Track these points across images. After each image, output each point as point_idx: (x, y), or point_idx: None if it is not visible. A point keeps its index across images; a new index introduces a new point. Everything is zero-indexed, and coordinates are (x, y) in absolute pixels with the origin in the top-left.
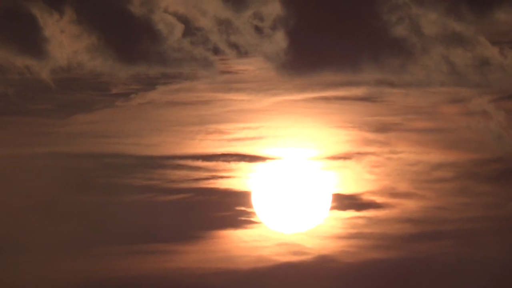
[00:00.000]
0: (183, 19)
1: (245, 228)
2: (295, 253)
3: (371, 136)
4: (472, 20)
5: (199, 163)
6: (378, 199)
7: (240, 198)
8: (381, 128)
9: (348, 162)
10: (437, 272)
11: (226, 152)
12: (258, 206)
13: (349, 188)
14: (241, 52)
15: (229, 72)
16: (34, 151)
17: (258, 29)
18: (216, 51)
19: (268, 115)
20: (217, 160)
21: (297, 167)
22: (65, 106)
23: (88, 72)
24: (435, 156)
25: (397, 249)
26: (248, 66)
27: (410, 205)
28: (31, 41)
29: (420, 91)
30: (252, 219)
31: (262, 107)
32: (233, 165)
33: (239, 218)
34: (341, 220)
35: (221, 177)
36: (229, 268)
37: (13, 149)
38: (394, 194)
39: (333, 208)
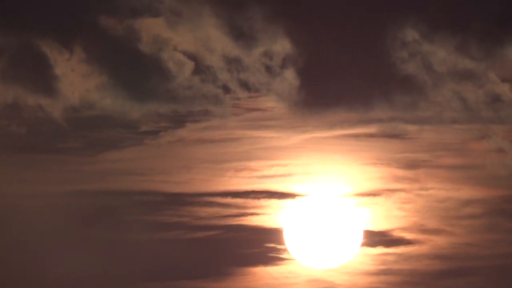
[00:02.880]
0: (193, 57)
1: (275, 264)
2: None
3: (401, 172)
4: (482, 57)
5: (229, 200)
6: (408, 235)
7: (270, 234)
8: (410, 165)
9: (378, 199)
10: None
11: (255, 189)
12: (289, 242)
13: (379, 224)
14: (252, 90)
15: (257, 110)
16: (63, 188)
17: (268, 68)
18: (226, 89)
19: (297, 152)
20: (246, 197)
21: (327, 204)
22: (94, 144)
23: (99, 111)
24: (464, 192)
25: (426, 286)
26: (277, 103)
27: (439, 242)
28: (43, 80)
29: (448, 127)
30: (282, 255)
31: (291, 144)
32: (263, 202)
33: (269, 254)
34: (370, 256)
35: (251, 214)
36: None
37: (42, 186)
38: (423, 230)
39: (363, 244)
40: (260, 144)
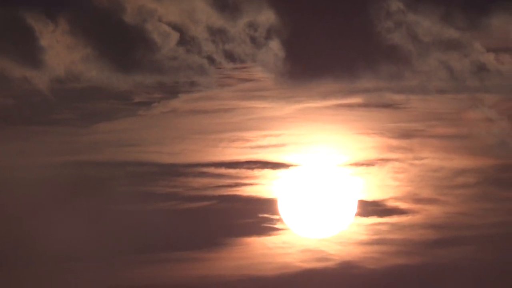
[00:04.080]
0: (177, 28)
1: (269, 235)
2: (319, 260)
3: (394, 142)
4: (467, 27)
5: (222, 170)
6: (401, 205)
7: (264, 205)
8: (403, 135)
9: (371, 169)
10: (459, 278)
11: (249, 160)
12: (282, 212)
13: (373, 194)
14: (237, 61)
15: (250, 80)
16: (56, 160)
17: (253, 39)
18: (211, 60)
19: (290, 122)
20: (240, 168)
21: (321, 174)
22: (87, 116)
23: (90, 83)
24: (458, 162)
25: (420, 255)
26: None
27: (433, 211)
28: (29, 52)
29: (436, 97)
30: (275, 226)
31: (284, 114)
32: (257, 172)
33: (263, 225)
34: (364, 226)
35: (245, 184)
36: (253, 275)
37: (37, 158)
38: (417, 200)
39: (356, 214)
40: (253, 114)
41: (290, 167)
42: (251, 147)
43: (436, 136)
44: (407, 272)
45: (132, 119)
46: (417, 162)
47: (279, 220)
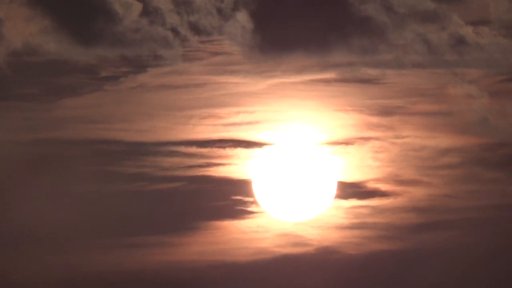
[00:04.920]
0: None
1: (243, 218)
2: (296, 244)
3: (374, 120)
4: None
5: (193, 149)
6: (383, 186)
7: (237, 186)
8: (384, 112)
9: (350, 148)
10: (443, 264)
11: (221, 138)
12: (257, 194)
13: (352, 175)
14: (203, 34)
15: (222, 54)
16: (19, 137)
17: (219, 10)
18: (176, 32)
19: (265, 99)
20: (212, 146)
21: (297, 153)
22: (51, 91)
23: (54, 56)
24: (441, 140)
25: (402, 240)
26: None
27: (415, 193)
28: None
29: (420, 72)
30: (250, 208)
31: (258, 90)
32: (229, 151)
33: (237, 207)
34: (343, 209)
35: (217, 164)
36: (227, 261)
37: None
38: (399, 181)
39: (335, 196)
40: (225, 90)
41: (265, 146)
42: (223, 125)
43: (417, 113)
44: (389, 257)
45: (98, 95)
46: (398, 141)
47: (253, 202)
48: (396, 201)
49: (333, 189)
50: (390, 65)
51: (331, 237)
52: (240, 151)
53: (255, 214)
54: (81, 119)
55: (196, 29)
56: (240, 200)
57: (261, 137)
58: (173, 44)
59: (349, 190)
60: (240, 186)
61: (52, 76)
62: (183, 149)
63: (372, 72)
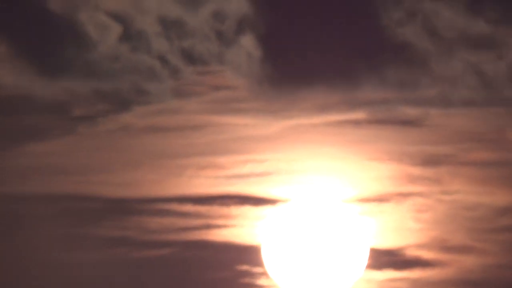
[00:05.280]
0: (120, 20)
1: None
2: None
3: (416, 171)
4: (501, 19)
5: (189, 207)
6: (426, 254)
7: (243, 253)
8: (429, 161)
9: (386, 206)
10: None
11: (224, 193)
12: (268, 264)
13: (388, 240)
14: (198, 63)
15: (224, 88)
16: None
17: (219, 34)
18: (164, 62)
19: (279, 144)
20: (212, 204)
21: (318, 212)
22: (11, 134)
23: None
24: (500, 198)
25: None
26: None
27: (466, 263)
28: None
29: (477, 111)
30: (259, 282)
31: (270, 133)
32: (234, 210)
33: (243, 280)
34: (377, 282)
35: (218, 226)
36: None
37: None
38: (446, 248)
39: (366, 267)
40: (229, 133)
41: (278, 204)
42: (227, 177)
43: (470, 163)
44: None
45: (70, 139)
46: (446, 197)
47: (263, 274)
48: (442, 273)
49: (364, 258)
50: (434, 103)
51: None
52: (247, 209)
53: None
54: (49, 169)
55: (190, 57)
56: (247, 271)
57: (274, 193)
58: (162, 75)
59: (384, 258)
60: (247, 254)
61: (11, 115)
62: (176, 207)
63: (412, 111)
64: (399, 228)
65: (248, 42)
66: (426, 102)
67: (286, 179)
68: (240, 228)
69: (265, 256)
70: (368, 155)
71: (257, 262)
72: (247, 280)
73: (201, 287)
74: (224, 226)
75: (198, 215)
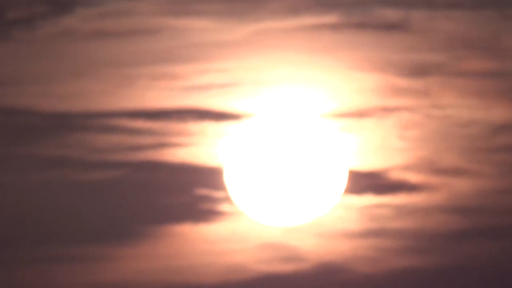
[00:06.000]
0: None
1: (211, 221)
2: (286, 260)
3: (402, 82)
4: None
5: (141, 123)
6: (412, 177)
7: (203, 176)
8: (416, 71)
9: (367, 122)
10: (494, 286)
11: (181, 107)
12: (231, 188)
13: (369, 161)
14: None
15: None
16: None
17: None
18: None
19: (244, 52)
20: (167, 119)
21: (290, 130)
22: None
23: None
24: (497, 113)
25: (439, 253)
26: None
27: (459, 187)
28: None
29: (474, 14)
30: (221, 208)
31: (235, 39)
32: (192, 126)
33: (202, 206)
34: (356, 209)
35: (174, 144)
36: (187, 283)
37: None
38: (435, 170)
39: (344, 191)
40: (187, 39)
41: (242, 119)
42: (184, 88)
43: (463, 74)
44: (418, 278)
45: (4, 46)
46: (436, 112)
47: (225, 199)
48: (431, 198)
49: (342, 181)
50: (417, 4)
51: (337, 250)
52: (207, 125)
53: (227, 216)
54: None
55: None
56: (207, 195)
57: (238, 106)
58: None
59: (365, 181)
60: (207, 176)
61: None
62: (126, 122)
63: (392, 14)
64: (382, 147)
65: None
66: (408, 3)
67: (253, 90)
68: (199, 146)
69: (228, 178)
70: (347, 63)
71: (219, 186)
72: (207, 205)
73: (154, 213)
74: (181, 144)
75: (151, 132)
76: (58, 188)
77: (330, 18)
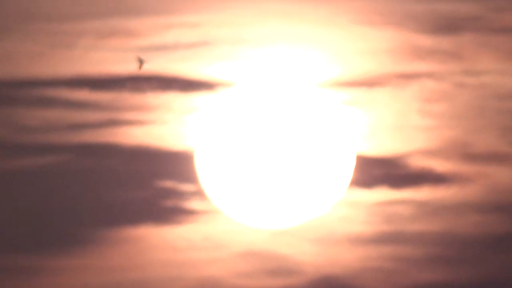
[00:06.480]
0: None
1: (178, 223)
2: (275, 273)
3: (426, 41)
4: None
5: (85, 94)
6: (439, 165)
7: (166, 163)
8: (443, 26)
9: (379, 93)
10: None
11: (137, 73)
12: (204, 179)
13: (383, 144)
14: None
15: None
16: None
17: None
18: None
19: (220, 1)
20: (119, 89)
21: (279, 103)
22: None
23: None
24: None
25: (473, 264)
26: None
27: (499, 178)
28: None
29: None
30: (190, 205)
31: None
32: (152, 98)
33: (166, 203)
34: (364, 207)
35: (129, 122)
36: None
37: None
38: (469, 156)
39: (351, 183)
40: None
41: (217, 89)
42: (140, 49)
43: (504, 30)
44: None
45: None
46: (469, 80)
47: (196, 193)
48: (463, 193)
49: (348, 170)
50: None
51: (341, 259)
52: (171, 97)
53: (199, 216)
54: None
55: None
56: (172, 189)
57: (212, 73)
58: None
59: (377, 171)
60: (173, 164)
61: None
62: (64, 93)
63: None
64: (399, 125)
65: None
66: None
67: (230, 52)
68: (162, 125)
69: (199, 167)
70: (352, 16)
71: (188, 176)
72: (172, 201)
73: (104, 213)
74: (138, 122)
75: (98, 106)
76: None
77: None
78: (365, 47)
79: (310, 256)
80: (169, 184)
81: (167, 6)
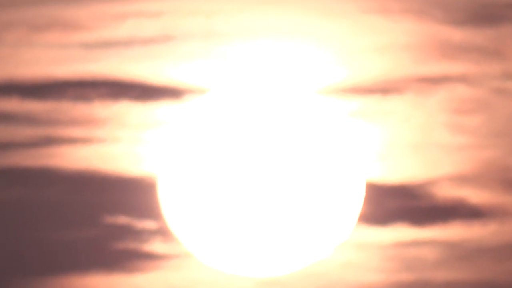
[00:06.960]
0: None
1: (135, 271)
2: None
3: (456, 35)
4: None
5: (8, 103)
6: (472, 195)
7: (120, 193)
8: (482, 17)
9: (396, 102)
10: None
11: (81, 77)
12: (169, 213)
13: (401, 168)
14: None
15: None
16: None
17: None
18: None
19: None
20: (58, 97)
21: (267, 114)
22: None
23: None
24: None
25: None
26: None
27: None
28: None
29: None
30: (152, 247)
31: None
32: (100, 108)
33: (119, 244)
34: (376, 249)
35: (70, 140)
36: None
37: None
38: (511, 183)
39: (359, 219)
40: None
41: (187, 97)
42: (86, 45)
43: None
44: None
45: None
46: (510, 87)
47: (159, 232)
48: (504, 232)
49: (355, 201)
50: None
51: None
52: (126, 108)
53: (163, 262)
54: None
55: None
56: (128, 226)
57: (178, 76)
58: None
59: (393, 203)
60: (128, 194)
61: None
62: None
63: None
64: (422, 145)
65: None
66: None
67: (200, 49)
68: (113, 144)
69: (162, 199)
70: (363, 3)
71: (147, 211)
72: (127, 243)
73: (37, 257)
74: (82, 140)
75: (31, 119)
76: None
77: None
78: (378, 42)
79: None
80: (123, 220)
81: None
